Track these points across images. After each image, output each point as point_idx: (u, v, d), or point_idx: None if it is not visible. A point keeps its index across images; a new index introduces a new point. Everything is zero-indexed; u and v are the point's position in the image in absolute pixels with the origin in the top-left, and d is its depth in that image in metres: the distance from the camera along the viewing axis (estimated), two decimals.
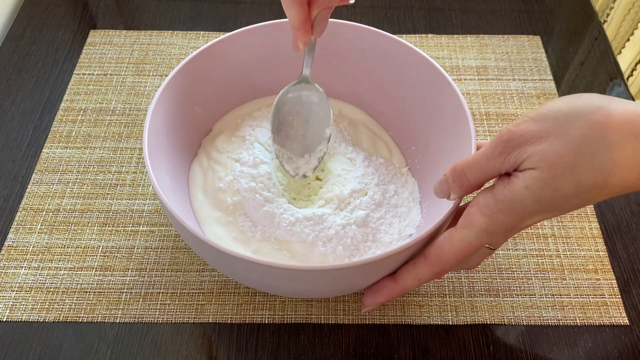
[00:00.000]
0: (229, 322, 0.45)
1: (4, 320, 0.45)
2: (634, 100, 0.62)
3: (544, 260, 0.48)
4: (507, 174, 0.34)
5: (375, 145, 0.51)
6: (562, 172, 0.31)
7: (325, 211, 0.45)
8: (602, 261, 0.48)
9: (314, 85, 0.46)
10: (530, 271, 0.48)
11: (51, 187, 0.52)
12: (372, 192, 0.46)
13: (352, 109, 0.54)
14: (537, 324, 0.45)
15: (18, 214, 0.50)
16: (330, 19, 0.45)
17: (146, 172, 0.53)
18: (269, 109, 0.52)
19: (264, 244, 0.44)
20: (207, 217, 0.46)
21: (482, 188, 0.37)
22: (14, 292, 0.46)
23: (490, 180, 0.36)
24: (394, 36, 0.49)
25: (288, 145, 0.47)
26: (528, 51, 0.64)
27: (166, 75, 0.61)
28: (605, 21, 0.93)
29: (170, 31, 0.65)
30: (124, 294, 0.46)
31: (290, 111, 0.47)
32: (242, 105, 0.54)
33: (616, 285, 0.47)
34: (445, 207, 0.39)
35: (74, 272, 0.47)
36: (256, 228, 0.45)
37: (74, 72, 0.61)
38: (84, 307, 0.45)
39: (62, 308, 0.45)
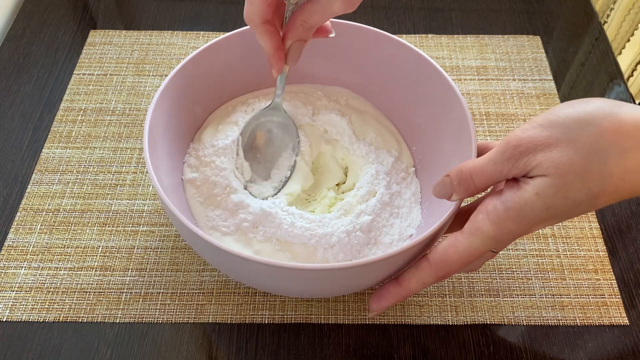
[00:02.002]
0: (229, 322, 0.45)
1: (4, 320, 0.45)
2: (634, 100, 0.62)
3: (544, 260, 0.48)
4: (515, 180, 0.34)
5: (385, 138, 0.51)
6: (572, 180, 0.31)
7: (327, 214, 0.45)
8: (602, 261, 0.48)
9: (283, 112, 0.47)
10: (530, 271, 0.48)
11: (51, 187, 0.52)
12: (380, 195, 0.46)
13: (359, 98, 0.54)
14: (537, 324, 0.45)
15: (18, 214, 0.50)
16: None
17: (146, 172, 0.53)
18: (263, 97, 0.52)
19: (265, 244, 0.44)
20: (206, 220, 0.45)
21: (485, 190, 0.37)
22: (14, 292, 0.46)
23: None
24: (394, 36, 0.49)
25: (254, 168, 0.48)
26: (528, 51, 0.64)
27: (166, 75, 0.60)
28: (605, 22, 0.93)
29: (170, 31, 0.65)
30: (124, 294, 0.46)
31: (259, 135, 0.48)
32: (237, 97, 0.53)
33: (616, 285, 0.47)
34: (446, 208, 0.39)
35: (74, 272, 0.47)
36: (257, 229, 0.44)
37: (74, 72, 0.61)
38: (84, 307, 0.45)
39: (62, 308, 0.45)
